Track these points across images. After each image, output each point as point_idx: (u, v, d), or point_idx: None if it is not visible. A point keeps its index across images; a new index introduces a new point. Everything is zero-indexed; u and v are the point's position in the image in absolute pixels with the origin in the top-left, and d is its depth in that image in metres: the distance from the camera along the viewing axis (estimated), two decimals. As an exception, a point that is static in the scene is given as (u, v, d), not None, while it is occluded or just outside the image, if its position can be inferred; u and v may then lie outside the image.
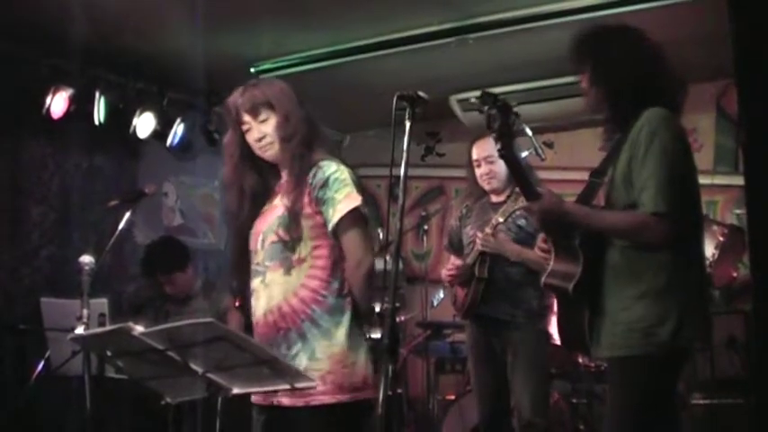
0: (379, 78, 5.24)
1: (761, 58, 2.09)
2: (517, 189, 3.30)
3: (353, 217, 2.55)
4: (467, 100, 5.73)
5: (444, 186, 6.76)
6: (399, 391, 5.32)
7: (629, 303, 2.43)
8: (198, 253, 5.17)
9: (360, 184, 2.62)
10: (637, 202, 2.43)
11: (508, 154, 2.53)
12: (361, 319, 2.58)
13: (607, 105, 2.60)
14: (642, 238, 2.43)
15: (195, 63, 4.69)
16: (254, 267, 2.64)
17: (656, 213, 2.37)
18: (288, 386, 2.21)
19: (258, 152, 2.66)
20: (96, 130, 5.05)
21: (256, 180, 2.70)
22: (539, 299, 3.77)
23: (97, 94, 4.96)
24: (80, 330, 3.18)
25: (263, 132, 2.62)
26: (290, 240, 2.54)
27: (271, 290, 2.56)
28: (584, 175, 2.68)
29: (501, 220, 3.68)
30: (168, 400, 2.39)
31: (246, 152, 2.68)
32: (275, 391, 2.44)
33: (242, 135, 2.67)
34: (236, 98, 2.66)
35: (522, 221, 3.77)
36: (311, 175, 2.57)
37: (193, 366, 2.15)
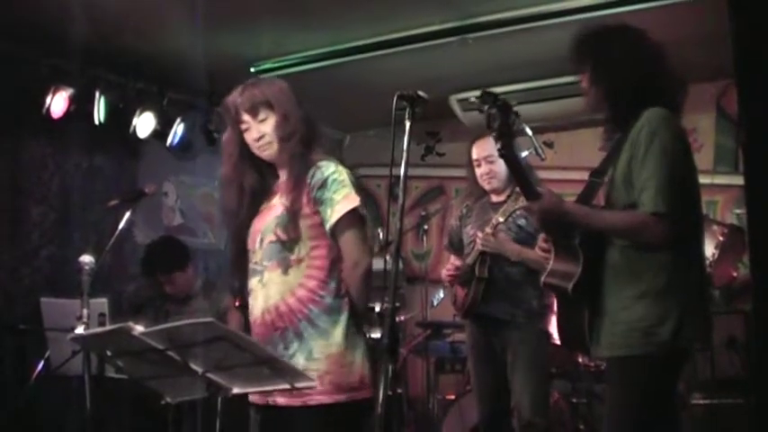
0: (379, 78, 5.23)
1: (761, 58, 2.09)
2: (517, 189, 3.30)
3: (351, 218, 2.55)
4: (467, 99, 5.73)
5: (444, 186, 6.76)
6: (399, 390, 5.31)
7: (628, 303, 2.43)
8: (198, 253, 5.17)
9: (358, 185, 2.62)
10: (637, 202, 2.43)
11: (508, 153, 2.53)
12: (359, 319, 2.58)
13: (607, 105, 2.59)
14: (642, 238, 2.43)
15: (195, 63, 4.69)
16: (251, 266, 2.64)
17: (656, 213, 2.37)
18: (288, 386, 2.21)
19: (256, 151, 2.66)
20: (96, 129, 5.05)
21: (255, 179, 2.70)
22: (539, 298, 3.77)
23: (97, 94, 4.96)
24: (80, 330, 3.18)
25: (261, 132, 2.62)
26: (288, 240, 2.54)
27: (268, 289, 2.56)
28: (584, 175, 2.68)
29: (501, 219, 3.68)
30: (168, 399, 2.39)
31: (245, 151, 2.68)
32: (271, 391, 2.44)
33: (241, 134, 2.67)
34: (236, 97, 2.65)
35: (522, 221, 3.77)
36: (310, 175, 2.57)
37: (193, 366, 2.15)
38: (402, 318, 5.61)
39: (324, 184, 2.55)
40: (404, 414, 5.53)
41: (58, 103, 4.78)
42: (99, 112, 4.98)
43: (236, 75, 2.80)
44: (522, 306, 3.75)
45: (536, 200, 2.53)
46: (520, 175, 2.60)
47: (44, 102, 4.74)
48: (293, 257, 2.55)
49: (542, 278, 2.63)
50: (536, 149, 3.78)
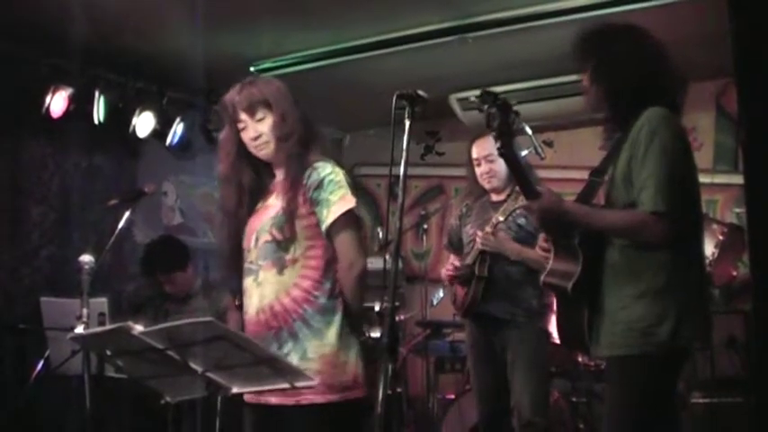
0: (378, 77, 5.23)
1: (761, 57, 2.09)
2: (517, 188, 3.30)
3: (347, 219, 2.55)
4: (466, 99, 5.73)
5: (444, 185, 6.76)
6: (399, 390, 5.32)
7: (628, 302, 2.43)
8: (198, 252, 5.17)
9: (354, 186, 2.62)
10: (636, 202, 2.43)
11: (508, 153, 2.53)
12: (353, 319, 2.58)
13: (607, 104, 2.59)
14: (641, 238, 2.42)
15: (195, 62, 4.69)
16: (246, 266, 2.63)
17: (656, 212, 2.37)
18: (288, 385, 2.21)
19: (253, 151, 2.65)
20: (96, 129, 5.06)
21: (252, 178, 2.70)
22: (538, 298, 3.77)
23: (97, 94, 4.96)
24: (80, 330, 3.18)
25: (258, 131, 2.62)
26: (283, 240, 2.54)
27: (263, 289, 2.56)
28: (584, 174, 2.68)
29: (501, 218, 3.69)
30: (168, 399, 2.39)
31: (242, 150, 2.67)
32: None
33: (238, 133, 2.66)
34: (233, 95, 2.65)
35: (522, 220, 3.77)
36: (306, 175, 2.57)
37: (193, 365, 2.15)
38: (402, 317, 5.61)
39: (320, 185, 2.55)
40: (403, 413, 5.53)
41: (57, 102, 4.78)
42: (98, 112, 4.98)
43: (235, 74, 2.79)
44: (521, 305, 3.75)
45: (535, 199, 2.53)
46: (519, 175, 2.60)
47: (44, 101, 4.74)
48: (288, 257, 2.55)
49: (542, 277, 2.63)
50: (536, 148, 3.78)
